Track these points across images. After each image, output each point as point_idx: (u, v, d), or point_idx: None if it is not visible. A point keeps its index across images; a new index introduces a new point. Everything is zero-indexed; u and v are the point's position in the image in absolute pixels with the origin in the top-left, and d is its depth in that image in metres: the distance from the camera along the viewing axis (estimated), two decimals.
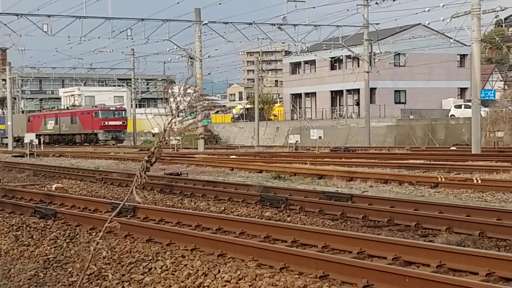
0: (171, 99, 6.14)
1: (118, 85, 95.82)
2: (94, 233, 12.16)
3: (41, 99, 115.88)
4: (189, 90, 6.15)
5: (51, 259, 10.71)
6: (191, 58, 52.21)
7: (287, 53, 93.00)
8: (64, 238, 11.90)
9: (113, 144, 71.69)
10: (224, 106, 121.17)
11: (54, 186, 22.15)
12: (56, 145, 76.10)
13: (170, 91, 6.21)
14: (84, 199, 17.46)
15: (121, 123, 75.88)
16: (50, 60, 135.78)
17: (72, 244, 11.41)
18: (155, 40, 52.39)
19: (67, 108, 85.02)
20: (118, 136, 75.52)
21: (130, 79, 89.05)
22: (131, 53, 79.61)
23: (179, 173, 25.46)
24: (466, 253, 8.92)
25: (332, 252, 10.16)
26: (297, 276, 8.50)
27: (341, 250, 10.21)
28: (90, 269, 8.69)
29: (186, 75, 52.33)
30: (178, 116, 6.20)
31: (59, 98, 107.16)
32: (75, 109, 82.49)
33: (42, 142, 60.12)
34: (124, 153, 46.11)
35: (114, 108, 78.07)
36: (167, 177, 23.44)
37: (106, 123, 74.06)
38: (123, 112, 77.74)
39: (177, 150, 49.81)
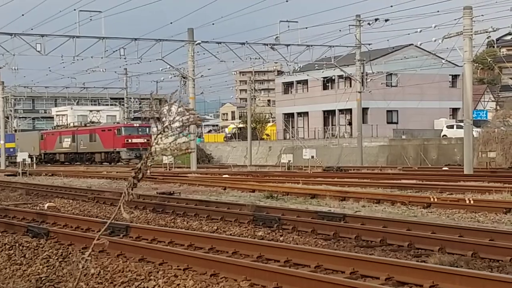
0: (160, 116, 6.15)
1: (111, 104, 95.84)
2: (87, 253, 12.10)
3: (33, 118, 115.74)
4: (173, 108, 6.16)
5: (43, 278, 10.66)
6: (184, 78, 52.31)
7: (280, 73, 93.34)
8: (56, 257, 11.87)
9: (136, 163, 68.03)
10: (215, 124, 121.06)
11: (46, 205, 22.08)
12: (72, 164, 72.33)
13: (155, 107, 6.22)
14: (77, 218, 17.42)
15: (145, 140, 69.30)
16: (43, 79, 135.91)
17: (65, 263, 11.37)
18: (148, 60, 52.52)
19: (85, 125, 79.29)
20: (142, 154, 71.80)
21: (123, 98, 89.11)
22: (124, 73, 79.76)
23: (172, 192, 25.43)
24: (459, 274, 8.91)
25: (325, 272, 10.14)
26: None
27: (334, 270, 10.19)
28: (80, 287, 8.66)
29: (179, 94, 52.36)
30: (164, 132, 6.21)
31: (52, 117, 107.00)
32: (95, 126, 77.15)
33: (34, 160, 59.54)
34: (117, 172, 46.04)
35: (138, 125, 72.30)
36: (159, 196, 23.42)
37: (130, 140, 68.56)
38: (148, 128, 71.51)
39: (169, 169, 49.77)
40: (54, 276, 10.66)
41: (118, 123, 74.82)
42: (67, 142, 77.13)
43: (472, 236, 12.59)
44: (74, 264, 11.05)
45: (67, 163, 74.30)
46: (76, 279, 7.16)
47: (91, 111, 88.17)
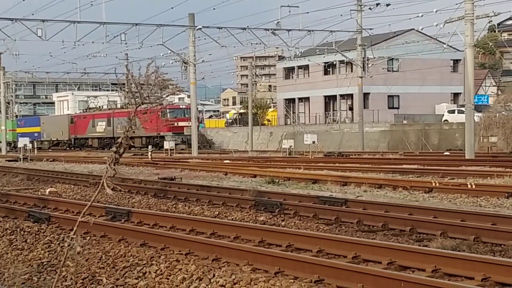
0: (138, 88, 6.07)
1: (112, 90, 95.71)
2: (88, 237, 12.13)
3: (34, 104, 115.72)
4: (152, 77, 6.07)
5: (45, 263, 10.67)
6: (185, 63, 52.17)
7: (281, 58, 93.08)
8: (58, 242, 11.86)
9: (182, 149, 59.08)
10: (216, 110, 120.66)
11: (48, 191, 22.10)
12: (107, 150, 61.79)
13: (131, 76, 6.14)
14: (78, 203, 17.41)
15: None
16: (44, 65, 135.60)
17: (70, 251, 11.35)
18: (149, 45, 52.39)
19: (122, 107, 71.04)
20: (189, 139, 60.12)
21: (124, 84, 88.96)
22: (125, 58, 79.60)
23: (173, 177, 25.41)
24: (462, 258, 8.90)
25: (327, 256, 10.13)
26: (292, 280, 8.47)
27: (336, 254, 10.18)
28: (66, 266, 8.62)
29: (180, 80, 52.28)
30: (143, 104, 6.16)
31: (53, 103, 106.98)
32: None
33: (35, 146, 58.95)
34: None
35: (184, 106, 64.92)
36: (161, 182, 23.42)
37: (176, 124, 62.34)
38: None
39: (170, 155, 49.76)
40: (55, 261, 10.66)
41: (161, 104, 70.12)
42: (101, 126, 71.04)
43: (474, 221, 12.59)
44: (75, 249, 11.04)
45: (100, 149, 68.43)
46: (63, 258, 7.12)
47: (89, 97, 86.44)
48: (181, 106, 64.50)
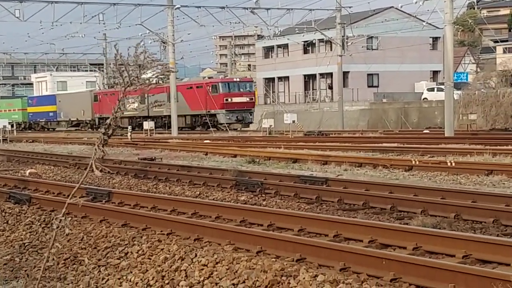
0: (127, 68, 6.03)
1: (90, 70, 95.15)
2: (70, 218, 12.07)
3: (13, 85, 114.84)
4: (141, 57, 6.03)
5: (26, 244, 10.64)
6: (164, 43, 51.95)
7: (260, 37, 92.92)
8: (39, 223, 11.83)
9: (235, 129, 53.44)
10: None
11: (28, 172, 21.98)
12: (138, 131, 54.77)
13: (119, 57, 6.10)
14: (58, 184, 17.34)
15: (248, 99, 56.00)
16: (22, 46, 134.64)
17: (48, 229, 11.33)
18: (128, 25, 52.28)
19: (157, 83, 68.60)
20: (245, 117, 54.95)
21: (103, 64, 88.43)
22: (103, 38, 79.04)
23: (153, 158, 25.35)
24: (442, 236, 8.96)
25: (308, 235, 10.17)
26: (274, 259, 8.50)
27: (317, 233, 10.23)
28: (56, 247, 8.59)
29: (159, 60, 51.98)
30: (132, 85, 6.11)
31: (31, 84, 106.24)
32: (176, 82, 60.28)
33: (14, 127, 57.71)
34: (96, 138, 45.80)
35: (238, 79, 57.86)
36: (141, 162, 23.36)
37: (229, 99, 54.49)
38: (249, 84, 57.79)
39: (150, 135, 49.62)
40: (37, 242, 10.64)
41: (210, 77, 59.45)
42: (133, 103, 65.71)
43: (454, 198, 12.66)
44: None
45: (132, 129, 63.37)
46: (51, 239, 7.10)
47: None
48: (235, 79, 57.68)
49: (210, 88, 55.08)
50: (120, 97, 6.04)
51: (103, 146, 6.17)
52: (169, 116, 55.89)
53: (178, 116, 55.55)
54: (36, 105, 78.17)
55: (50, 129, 73.41)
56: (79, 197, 14.21)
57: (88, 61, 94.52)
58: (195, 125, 56.66)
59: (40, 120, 77.56)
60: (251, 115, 55.82)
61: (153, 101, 56.30)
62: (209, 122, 52.96)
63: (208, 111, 54.45)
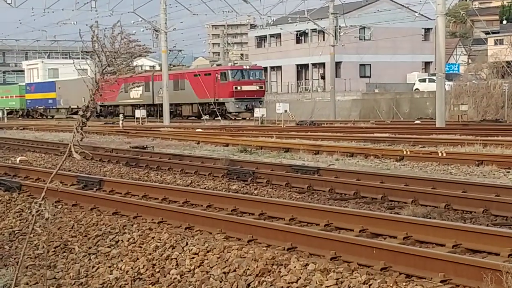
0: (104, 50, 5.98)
1: (82, 58, 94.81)
2: (60, 206, 12.07)
3: (4, 72, 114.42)
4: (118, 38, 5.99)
5: (16, 231, 10.63)
6: (156, 31, 51.79)
7: (253, 26, 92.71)
8: (29, 211, 11.79)
9: (244, 118, 51.94)
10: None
11: (18, 159, 21.91)
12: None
13: (96, 38, 6.06)
14: (49, 172, 17.26)
15: (258, 87, 53.95)
16: (14, 32, 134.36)
17: (38, 217, 11.29)
18: (120, 12, 51.95)
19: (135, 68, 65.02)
20: (255, 106, 51.82)
21: (93, 52, 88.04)
22: (95, 25, 78.69)
23: (145, 146, 25.32)
24: (433, 225, 8.98)
25: (300, 224, 10.18)
26: (265, 248, 8.51)
27: (309, 222, 10.23)
28: (35, 233, 8.60)
29: (152, 48, 51.88)
30: (110, 66, 6.07)
31: (23, 71, 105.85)
32: (182, 69, 60.30)
33: (5, 114, 57.13)
34: (88, 126, 45.72)
35: (248, 67, 55.31)
36: (132, 150, 23.32)
37: (239, 87, 52.57)
38: (260, 72, 55.76)
39: (142, 124, 49.54)
40: (27, 230, 10.60)
41: (219, 64, 57.14)
42: (137, 91, 61.40)
43: (445, 188, 12.69)
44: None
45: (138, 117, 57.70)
46: (31, 224, 7.09)
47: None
48: (244, 67, 54.91)
49: (219, 75, 53.24)
50: (96, 80, 6.00)
51: (81, 129, 6.13)
52: (176, 104, 55.06)
53: (185, 104, 55.34)
54: (35, 92, 76.11)
55: (49, 117, 71.43)
56: (70, 185, 14.23)
57: (79, 49, 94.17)
58: (203, 113, 54.41)
59: (39, 107, 75.64)
60: (260, 103, 53.40)
61: (159, 88, 56.16)
62: (217, 111, 51.58)
63: (216, 100, 52.72)
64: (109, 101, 62.37)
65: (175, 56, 64.96)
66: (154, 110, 58.84)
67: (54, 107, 72.15)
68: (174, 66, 60.94)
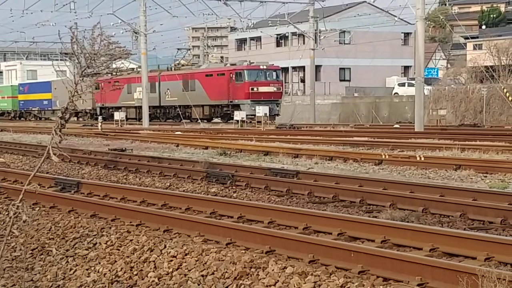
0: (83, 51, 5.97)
1: (61, 60, 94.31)
2: (38, 208, 12.01)
3: None
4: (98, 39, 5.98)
5: None
6: (136, 33, 51.65)
7: (233, 29, 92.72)
8: (6, 213, 11.71)
9: (259, 122, 46.09)
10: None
11: None
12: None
13: (75, 39, 6.05)
14: (27, 174, 17.16)
15: (275, 89, 50.58)
16: None
17: (16, 219, 11.22)
18: (99, 14, 51.77)
19: (169, 69, 58.64)
20: (272, 109, 49.06)
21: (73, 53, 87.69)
22: (74, 27, 78.34)
23: (124, 148, 25.24)
24: (410, 229, 9.02)
25: (278, 227, 10.19)
26: (243, 251, 8.51)
27: (287, 225, 10.25)
28: (13, 235, 8.58)
29: (132, 50, 51.71)
30: (90, 68, 6.07)
31: (1, 72, 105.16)
32: (192, 69, 57.00)
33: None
34: (67, 128, 45.47)
35: (265, 67, 51.19)
36: (111, 153, 23.24)
37: (255, 89, 49.16)
38: (277, 72, 52.04)
39: (121, 126, 49.38)
40: (4, 232, 10.53)
41: (233, 64, 53.70)
42: (141, 92, 56.11)
43: (423, 192, 12.74)
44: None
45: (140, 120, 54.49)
46: (9, 226, 7.06)
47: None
48: (261, 67, 50.90)
49: (234, 75, 49.84)
50: (75, 81, 5.98)
51: (60, 131, 6.11)
52: (185, 107, 52.45)
53: (196, 106, 51.89)
54: (28, 93, 72.87)
55: (44, 119, 68.79)
56: (48, 187, 14.14)
57: (58, 50, 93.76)
58: (215, 116, 52.24)
59: (33, 109, 72.30)
60: (277, 106, 50.70)
61: (166, 89, 54.67)
62: (231, 113, 48.98)
63: (231, 101, 49.98)
64: (110, 102, 59.90)
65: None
66: (160, 112, 56.58)
67: (49, 108, 68.95)
68: (183, 65, 58.78)
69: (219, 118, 51.79)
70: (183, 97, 52.23)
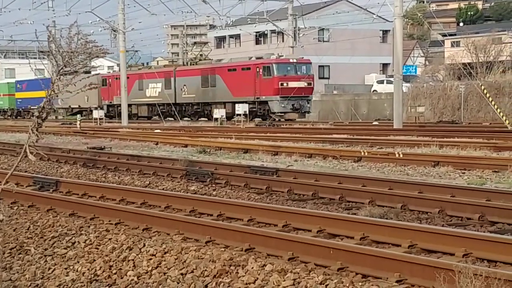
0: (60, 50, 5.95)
1: (39, 58, 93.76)
2: (16, 207, 11.94)
3: None
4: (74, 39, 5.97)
5: None
6: (114, 31, 51.48)
7: (212, 27, 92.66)
8: None
9: (291, 119, 45.73)
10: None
11: None
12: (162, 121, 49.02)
13: (52, 38, 6.04)
14: (4, 173, 17.05)
15: (306, 84, 46.99)
16: None
17: None
18: (77, 12, 51.57)
19: (184, 64, 55.69)
20: (303, 106, 46.71)
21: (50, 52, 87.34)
22: (52, 25, 77.93)
23: (103, 147, 25.15)
24: (389, 226, 9.06)
25: (258, 225, 10.20)
26: (223, 249, 8.51)
27: (267, 223, 10.25)
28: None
29: (110, 48, 51.47)
30: (66, 67, 6.05)
31: None
32: (212, 64, 53.37)
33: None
34: (46, 126, 45.28)
35: (295, 60, 48.03)
36: (90, 151, 23.14)
37: (285, 84, 45.73)
38: (309, 66, 48.72)
39: (100, 124, 49.18)
40: None
41: (260, 57, 50.54)
42: (154, 88, 54.07)
43: (402, 189, 12.79)
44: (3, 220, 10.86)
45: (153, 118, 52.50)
46: None
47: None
48: (291, 60, 47.75)
49: (261, 70, 46.33)
50: (53, 80, 5.96)
51: (37, 130, 6.09)
52: (204, 104, 49.76)
53: (217, 103, 48.92)
54: (26, 90, 69.46)
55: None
56: (26, 186, 14.08)
57: (37, 48, 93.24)
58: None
59: (32, 107, 66.80)
60: (308, 103, 47.43)
61: (182, 85, 51.50)
62: (258, 111, 46.53)
63: (257, 98, 46.55)
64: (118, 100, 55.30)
65: (131, 57, 63.74)
66: (177, 109, 52.06)
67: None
68: (200, 60, 55.09)
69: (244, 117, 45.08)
70: (202, 94, 49.62)
